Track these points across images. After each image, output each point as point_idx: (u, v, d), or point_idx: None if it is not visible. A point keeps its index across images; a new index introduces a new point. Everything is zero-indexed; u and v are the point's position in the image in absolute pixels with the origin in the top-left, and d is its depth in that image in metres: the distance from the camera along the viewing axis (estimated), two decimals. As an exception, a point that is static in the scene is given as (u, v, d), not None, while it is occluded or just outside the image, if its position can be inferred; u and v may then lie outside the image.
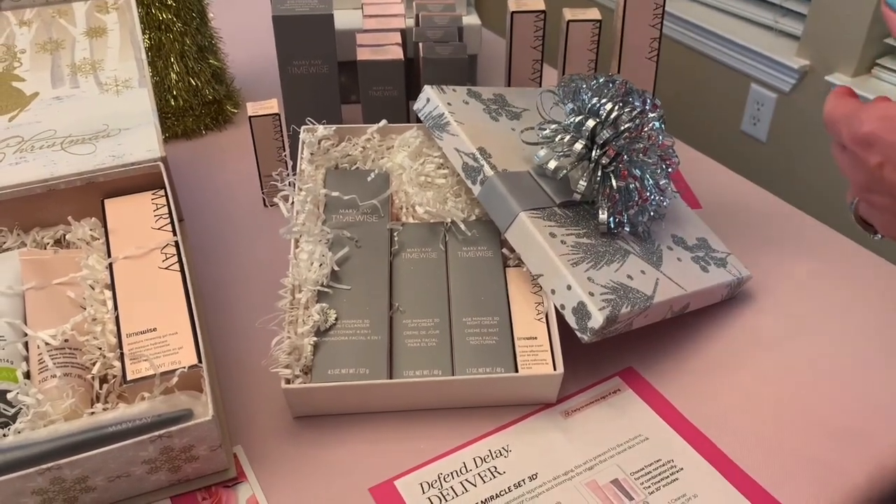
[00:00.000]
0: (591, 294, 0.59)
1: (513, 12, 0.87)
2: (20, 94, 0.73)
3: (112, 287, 0.61)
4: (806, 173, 1.78)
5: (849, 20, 1.58)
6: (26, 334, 0.59)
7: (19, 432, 0.53)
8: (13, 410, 0.54)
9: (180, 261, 0.62)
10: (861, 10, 1.56)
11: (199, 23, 0.95)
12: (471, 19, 1.01)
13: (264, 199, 0.85)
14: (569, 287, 0.60)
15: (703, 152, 1.00)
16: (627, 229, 0.67)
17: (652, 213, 0.68)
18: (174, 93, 0.95)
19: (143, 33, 0.86)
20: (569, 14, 0.87)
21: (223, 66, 1.01)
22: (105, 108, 0.72)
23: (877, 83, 1.61)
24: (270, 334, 0.60)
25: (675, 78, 1.99)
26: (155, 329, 0.58)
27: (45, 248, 0.68)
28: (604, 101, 0.66)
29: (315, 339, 0.61)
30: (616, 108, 0.65)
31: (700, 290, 0.67)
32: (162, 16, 0.91)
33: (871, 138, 0.47)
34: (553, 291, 0.61)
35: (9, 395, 0.55)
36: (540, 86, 0.92)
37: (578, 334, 0.60)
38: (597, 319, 0.59)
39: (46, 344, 0.57)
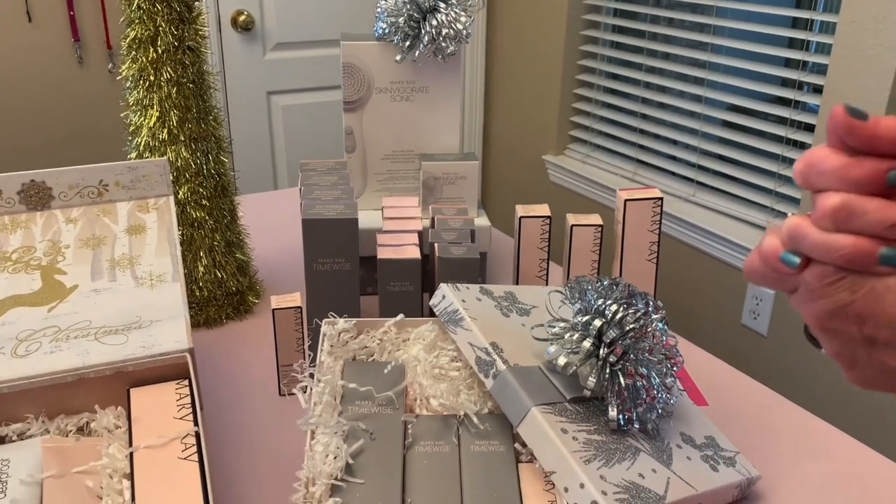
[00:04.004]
0: (605, 493, 0.60)
1: (521, 217, 0.94)
2: (61, 286, 0.78)
3: (131, 477, 0.62)
4: (808, 366, 1.80)
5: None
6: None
7: None
8: None
9: (199, 452, 0.64)
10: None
11: (230, 220, 1.02)
12: (481, 221, 1.08)
13: (280, 388, 0.88)
14: (582, 486, 0.61)
15: (705, 345, 1.03)
16: (637, 426, 0.69)
17: (660, 411, 0.70)
18: (200, 284, 1.00)
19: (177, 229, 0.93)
20: (572, 219, 0.94)
21: (248, 259, 1.07)
22: (139, 301, 0.77)
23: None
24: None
25: (675, 273, 2.07)
26: (170, 521, 0.58)
27: (68, 436, 0.70)
28: (609, 302, 0.70)
29: (328, 534, 0.61)
30: (621, 309, 0.69)
31: (711, 490, 0.67)
32: (196, 214, 0.98)
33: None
34: (566, 489, 0.62)
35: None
36: (547, 282, 0.97)
37: (592, 534, 0.60)
38: (610, 519, 0.59)
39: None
